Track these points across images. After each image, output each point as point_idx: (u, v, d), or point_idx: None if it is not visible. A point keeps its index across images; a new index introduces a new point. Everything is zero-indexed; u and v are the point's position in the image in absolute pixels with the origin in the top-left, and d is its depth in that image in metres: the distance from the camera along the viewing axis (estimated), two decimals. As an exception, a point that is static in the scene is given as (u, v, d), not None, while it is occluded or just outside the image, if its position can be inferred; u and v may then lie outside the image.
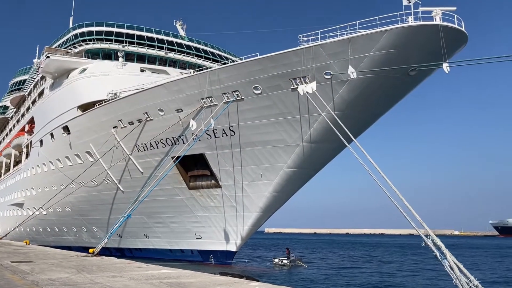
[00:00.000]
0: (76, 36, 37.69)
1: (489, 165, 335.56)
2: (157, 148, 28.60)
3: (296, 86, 22.20)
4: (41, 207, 37.37)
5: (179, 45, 38.54)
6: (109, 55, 36.36)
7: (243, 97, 24.26)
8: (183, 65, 37.83)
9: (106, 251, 29.09)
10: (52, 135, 36.76)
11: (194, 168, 28.74)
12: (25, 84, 51.83)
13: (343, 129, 18.35)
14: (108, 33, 36.75)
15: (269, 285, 9.56)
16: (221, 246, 29.53)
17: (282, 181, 26.29)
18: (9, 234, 40.28)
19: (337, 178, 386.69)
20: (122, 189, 31.61)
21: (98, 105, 30.68)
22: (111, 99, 29.68)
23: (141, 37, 37.08)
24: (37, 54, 48.45)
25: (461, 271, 11.36)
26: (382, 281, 26.03)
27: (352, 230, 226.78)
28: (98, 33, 36.86)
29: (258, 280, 15.07)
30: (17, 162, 53.24)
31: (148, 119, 27.85)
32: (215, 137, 26.46)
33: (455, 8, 19.32)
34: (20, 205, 46.32)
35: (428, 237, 12.54)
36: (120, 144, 29.26)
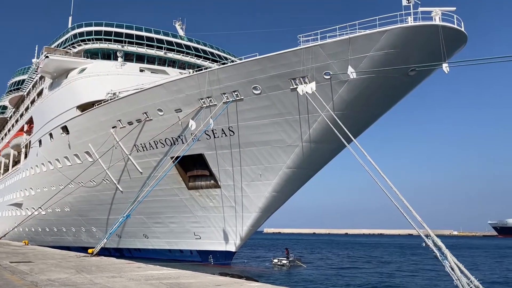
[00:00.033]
0: (75, 36, 37.64)
1: (488, 165, 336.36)
2: (156, 148, 28.57)
3: (295, 86, 22.19)
4: (40, 207, 37.30)
5: (178, 45, 38.52)
6: (108, 55, 36.32)
7: (242, 97, 24.24)
8: (182, 65, 37.80)
9: (105, 251, 29.02)
10: (51, 135, 36.71)
11: (193, 168, 28.72)
12: (24, 84, 51.75)
13: (343, 129, 18.35)
14: (107, 33, 36.71)
15: (269, 286, 9.54)
16: (220, 246, 29.50)
17: (282, 181, 26.27)
18: (7, 234, 40.17)
19: (336, 178, 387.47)
20: (121, 189, 31.57)
21: (97, 105, 30.63)
22: (110, 99, 29.64)
23: (140, 37, 37.05)
24: (36, 54, 48.53)
25: (461, 272, 11.36)
26: (381, 282, 26.02)
27: (351, 230, 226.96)
28: (97, 33, 36.82)
29: (257, 281, 15.06)
30: (16, 162, 53.15)
31: (147, 119, 27.82)
32: (215, 137, 26.44)
33: (455, 8, 19.33)
34: (19, 205, 46.24)
35: (429, 237, 12.52)
36: (119, 144, 29.21)
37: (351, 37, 20.54)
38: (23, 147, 48.10)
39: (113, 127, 29.62)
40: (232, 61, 27.30)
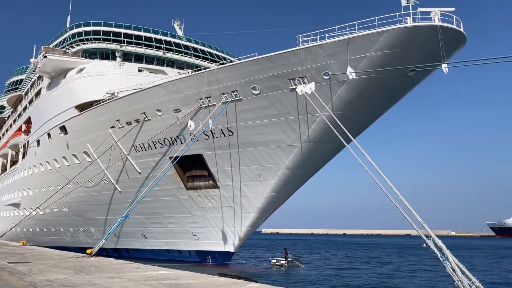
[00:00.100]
0: (73, 35, 37.56)
1: (486, 165, 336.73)
2: (155, 148, 28.51)
3: (294, 87, 22.16)
4: (38, 207, 37.24)
5: (177, 45, 38.46)
6: (107, 55, 36.26)
7: (241, 97, 24.21)
8: (181, 65, 37.77)
9: (103, 252, 28.97)
10: (49, 135, 36.62)
11: (192, 169, 28.66)
12: (22, 83, 51.65)
13: (342, 130, 18.33)
14: (106, 33, 36.62)
15: (268, 286, 9.51)
16: (218, 246, 29.46)
17: (280, 181, 26.24)
18: (5, 235, 40.04)
19: (335, 179, 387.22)
20: (119, 190, 31.50)
21: (96, 105, 30.57)
22: (109, 99, 29.58)
23: (139, 37, 36.98)
24: (34, 54, 48.30)
25: (463, 273, 11.33)
26: (381, 282, 26.03)
27: (349, 231, 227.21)
28: (96, 32, 36.74)
29: (256, 281, 15.03)
30: (14, 162, 53.03)
31: (146, 119, 27.76)
32: (213, 137, 26.40)
33: (454, 8, 19.35)
34: (16, 205, 46.11)
35: (429, 238, 12.49)
36: (118, 144, 29.14)
37: (350, 38, 20.53)
38: (21, 147, 47.99)
39: (111, 127, 29.54)
40: (231, 61, 27.26)
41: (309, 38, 21.67)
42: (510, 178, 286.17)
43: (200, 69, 26.57)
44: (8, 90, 57.27)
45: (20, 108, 51.97)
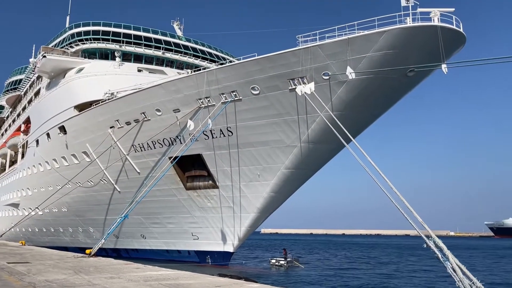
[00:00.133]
0: (72, 35, 37.51)
1: (485, 166, 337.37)
2: (154, 148, 28.48)
3: (294, 87, 22.16)
4: (37, 208, 37.16)
5: (177, 45, 38.44)
6: (106, 55, 36.23)
7: (241, 98, 24.19)
8: (180, 65, 37.74)
9: (102, 252, 28.92)
10: (48, 135, 36.58)
11: (192, 169, 28.64)
12: (21, 83, 51.57)
13: (342, 130, 18.32)
14: (105, 33, 36.59)
15: (268, 287, 9.49)
16: (218, 247, 29.43)
17: (280, 181, 26.23)
18: (4, 235, 39.98)
19: (334, 179, 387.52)
20: (119, 190, 31.46)
21: (95, 105, 30.53)
22: (108, 99, 29.55)
23: (138, 37, 36.95)
24: (33, 54, 48.31)
25: (464, 273, 11.31)
26: (380, 282, 26.02)
27: (348, 231, 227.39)
28: (95, 32, 36.70)
29: (256, 282, 15.01)
30: (13, 162, 52.94)
31: (145, 119, 27.73)
32: (213, 137, 26.39)
33: (454, 9, 19.35)
34: (15, 205, 46.05)
35: (430, 238, 12.48)
36: (117, 144, 29.11)
37: (350, 38, 20.52)
38: (20, 147, 47.89)
39: (111, 127, 29.51)
40: (231, 61, 27.25)
41: (308, 38, 21.69)
42: (510, 178, 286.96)
43: (200, 69, 26.54)
44: (7, 90, 57.26)
45: (19, 108, 51.90)
